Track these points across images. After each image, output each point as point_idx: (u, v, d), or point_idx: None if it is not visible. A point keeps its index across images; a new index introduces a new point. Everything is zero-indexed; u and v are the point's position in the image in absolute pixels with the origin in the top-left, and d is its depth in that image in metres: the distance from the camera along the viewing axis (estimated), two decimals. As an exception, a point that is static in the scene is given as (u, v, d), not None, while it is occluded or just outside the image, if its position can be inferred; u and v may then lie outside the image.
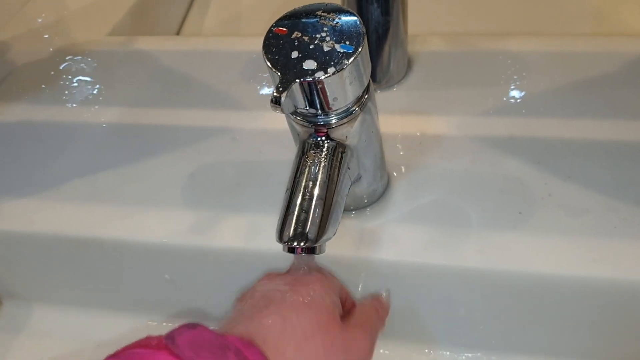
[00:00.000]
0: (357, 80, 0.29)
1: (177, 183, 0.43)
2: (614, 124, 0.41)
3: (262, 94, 0.49)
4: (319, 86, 0.28)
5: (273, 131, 0.45)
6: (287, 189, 0.31)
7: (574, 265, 0.35)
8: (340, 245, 0.37)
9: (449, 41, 0.50)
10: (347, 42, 0.28)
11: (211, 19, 0.72)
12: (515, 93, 0.45)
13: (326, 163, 0.31)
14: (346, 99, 0.30)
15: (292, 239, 0.29)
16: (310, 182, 0.30)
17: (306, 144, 0.32)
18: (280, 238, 0.29)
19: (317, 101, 0.29)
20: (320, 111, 0.30)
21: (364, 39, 0.28)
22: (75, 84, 0.54)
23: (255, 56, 0.52)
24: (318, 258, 0.36)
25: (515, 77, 0.46)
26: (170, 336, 0.28)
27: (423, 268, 0.37)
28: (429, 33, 0.51)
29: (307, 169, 0.31)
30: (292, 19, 0.30)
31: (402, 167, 0.41)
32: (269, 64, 0.29)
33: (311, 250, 0.29)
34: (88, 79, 0.54)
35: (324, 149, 0.31)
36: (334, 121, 0.31)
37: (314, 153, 0.31)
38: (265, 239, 0.39)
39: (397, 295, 0.39)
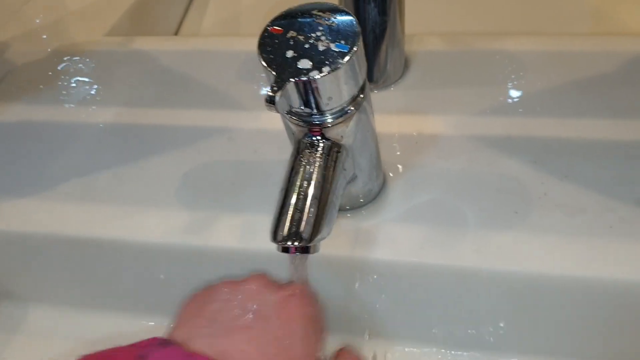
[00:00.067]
0: (352, 79, 0.29)
1: (176, 183, 0.43)
2: (611, 124, 0.41)
3: (260, 94, 0.49)
4: (314, 85, 0.28)
5: (272, 131, 0.45)
6: (282, 189, 0.31)
7: (570, 264, 0.35)
8: (335, 245, 0.37)
9: (446, 41, 0.50)
10: (343, 42, 0.28)
11: (209, 19, 0.72)
12: (512, 93, 0.45)
13: (321, 162, 0.31)
14: (341, 98, 0.30)
15: (286, 239, 0.29)
16: (305, 182, 0.30)
17: (301, 144, 0.32)
18: (274, 237, 0.29)
19: (312, 100, 0.29)
20: (315, 110, 0.30)
21: (359, 38, 0.28)
22: (74, 84, 0.54)
23: (253, 56, 0.52)
24: (313, 258, 0.36)
25: (512, 76, 0.46)
26: (142, 355, 0.27)
27: (419, 268, 0.37)
28: (426, 33, 0.51)
29: (302, 169, 0.31)
30: (287, 18, 0.30)
31: (399, 166, 0.41)
32: (264, 63, 0.29)
33: (305, 250, 0.29)
34: (86, 79, 0.55)
35: (319, 149, 0.31)
36: (329, 121, 0.31)
37: (309, 152, 0.31)
38: (262, 238, 0.39)
39: (393, 295, 0.39)
